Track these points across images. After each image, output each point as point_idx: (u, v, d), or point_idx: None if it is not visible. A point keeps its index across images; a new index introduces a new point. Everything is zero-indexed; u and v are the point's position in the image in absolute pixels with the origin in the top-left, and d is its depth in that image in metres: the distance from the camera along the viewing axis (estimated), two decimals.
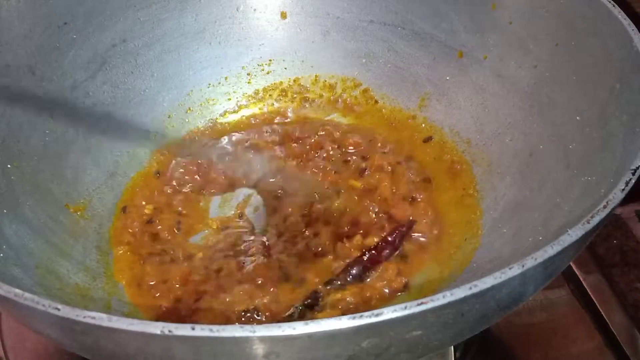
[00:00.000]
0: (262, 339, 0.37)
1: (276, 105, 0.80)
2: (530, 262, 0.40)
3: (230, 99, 0.80)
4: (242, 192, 0.70)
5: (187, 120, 0.77)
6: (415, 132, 0.75)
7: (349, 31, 0.78)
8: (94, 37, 0.70)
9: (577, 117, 0.59)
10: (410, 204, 0.67)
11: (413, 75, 0.76)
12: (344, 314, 0.57)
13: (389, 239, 0.64)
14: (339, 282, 0.61)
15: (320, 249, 0.63)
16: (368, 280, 0.61)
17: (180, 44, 0.76)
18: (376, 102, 0.78)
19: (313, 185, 0.69)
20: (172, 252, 0.64)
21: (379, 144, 0.74)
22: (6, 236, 0.55)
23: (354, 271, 0.61)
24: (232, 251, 0.64)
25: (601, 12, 0.58)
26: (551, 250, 0.41)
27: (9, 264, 0.52)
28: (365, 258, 0.62)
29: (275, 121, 0.78)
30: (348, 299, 0.59)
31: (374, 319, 0.37)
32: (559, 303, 0.68)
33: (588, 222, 0.43)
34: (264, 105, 0.80)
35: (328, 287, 0.60)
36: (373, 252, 0.63)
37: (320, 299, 0.59)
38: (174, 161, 0.72)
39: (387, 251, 0.63)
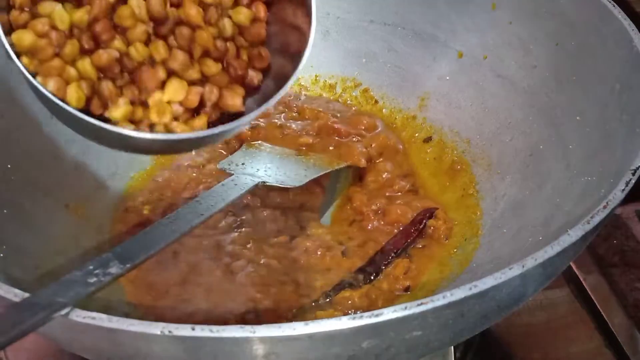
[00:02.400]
0: (262, 340, 0.37)
1: None
2: (530, 262, 0.40)
3: None
4: None
5: None
6: (415, 132, 0.75)
7: (349, 31, 0.78)
8: None
9: (577, 117, 0.60)
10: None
11: (413, 75, 0.76)
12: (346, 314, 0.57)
13: (417, 219, 0.65)
14: (362, 276, 0.61)
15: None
16: (380, 277, 0.61)
17: None
18: (376, 102, 0.78)
19: None
20: (171, 252, 0.64)
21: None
22: (6, 236, 0.55)
23: (372, 267, 0.61)
24: (228, 254, 0.64)
25: (601, 12, 0.58)
26: (551, 250, 0.41)
27: (9, 264, 0.52)
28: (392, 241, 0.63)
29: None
30: (356, 299, 0.59)
31: (374, 320, 0.37)
32: (559, 303, 0.68)
33: (588, 222, 0.43)
34: None
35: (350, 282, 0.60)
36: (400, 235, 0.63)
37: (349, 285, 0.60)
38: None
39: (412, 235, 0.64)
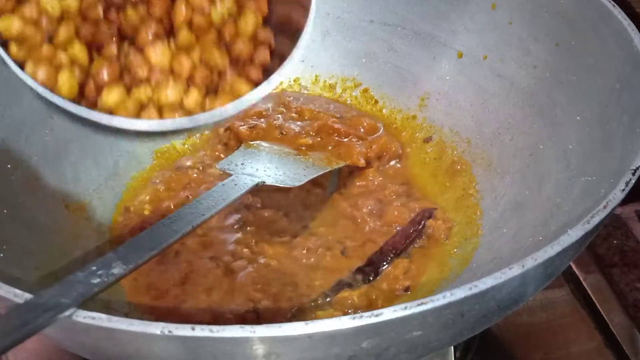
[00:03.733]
0: (262, 340, 0.37)
1: None
2: (530, 262, 0.40)
3: None
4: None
5: None
6: (415, 132, 0.75)
7: (349, 31, 0.78)
8: None
9: (577, 117, 0.60)
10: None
11: (413, 75, 0.76)
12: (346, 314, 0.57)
13: (416, 219, 0.65)
14: (360, 277, 0.61)
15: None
16: (379, 278, 0.61)
17: None
18: (376, 102, 0.78)
19: None
20: (172, 252, 0.64)
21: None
22: (6, 236, 0.55)
23: (370, 267, 0.61)
24: (229, 254, 0.64)
25: (601, 12, 0.58)
26: (551, 250, 0.41)
27: (9, 264, 0.52)
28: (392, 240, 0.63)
29: None
30: (355, 298, 0.59)
31: (374, 319, 0.37)
32: (559, 303, 0.68)
33: (588, 222, 0.43)
34: None
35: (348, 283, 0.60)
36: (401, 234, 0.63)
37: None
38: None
39: (412, 233, 0.64)
